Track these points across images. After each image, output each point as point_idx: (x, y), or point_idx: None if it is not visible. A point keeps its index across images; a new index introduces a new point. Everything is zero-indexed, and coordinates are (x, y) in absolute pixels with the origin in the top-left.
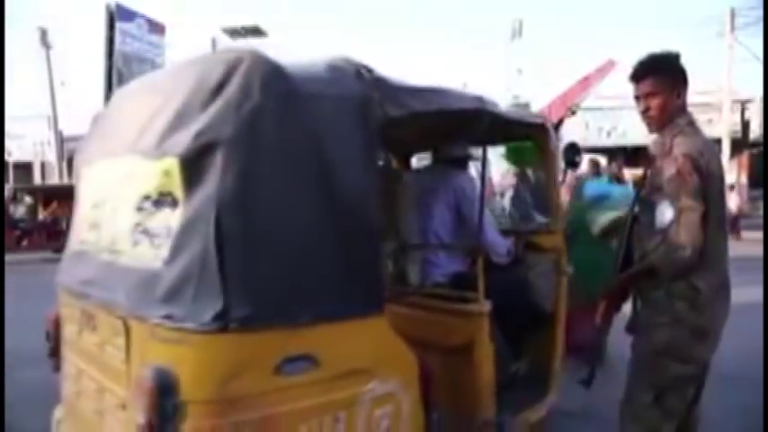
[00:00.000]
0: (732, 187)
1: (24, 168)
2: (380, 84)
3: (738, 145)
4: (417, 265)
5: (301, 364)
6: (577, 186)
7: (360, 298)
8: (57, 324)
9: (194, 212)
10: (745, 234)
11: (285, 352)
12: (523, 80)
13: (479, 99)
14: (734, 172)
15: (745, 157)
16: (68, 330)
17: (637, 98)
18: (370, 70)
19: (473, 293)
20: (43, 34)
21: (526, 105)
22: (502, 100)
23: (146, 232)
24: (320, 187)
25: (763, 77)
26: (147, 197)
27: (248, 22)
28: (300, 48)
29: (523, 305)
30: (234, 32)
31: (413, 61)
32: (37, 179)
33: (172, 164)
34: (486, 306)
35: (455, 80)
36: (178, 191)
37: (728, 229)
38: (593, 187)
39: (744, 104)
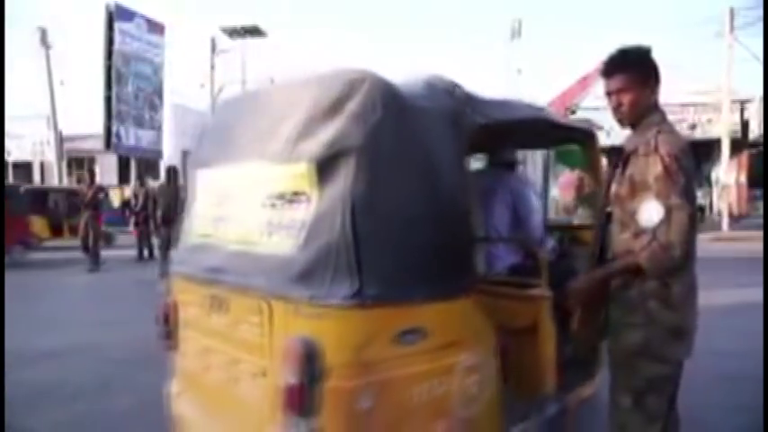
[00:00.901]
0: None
1: (23, 168)
2: (469, 98)
3: (738, 145)
4: (482, 256)
5: (414, 335)
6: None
7: (457, 280)
8: (173, 309)
9: (327, 208)
10: (743, 234)
11: (402, 325)
12: (523, 80)
13: (541, 109)
14: (733, 172)
15: (744, 156)
16: (190, 313)
17: (608, 94)
18: (459, 87)
19: (535, 280)
20: (43, 34)
21: None
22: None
23: (280, 225)
24: (427, 187)
25: (763, 78)
26: (280, 195)
27: (247, 21)
28: (300, 47)
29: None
30: (233, 32)
31: (413, 61)
32: (36, 179)
33: (306, 168)
34: (548, 291)
35: (456, 79)
36: (311, 190)
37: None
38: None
39: (743, 104)
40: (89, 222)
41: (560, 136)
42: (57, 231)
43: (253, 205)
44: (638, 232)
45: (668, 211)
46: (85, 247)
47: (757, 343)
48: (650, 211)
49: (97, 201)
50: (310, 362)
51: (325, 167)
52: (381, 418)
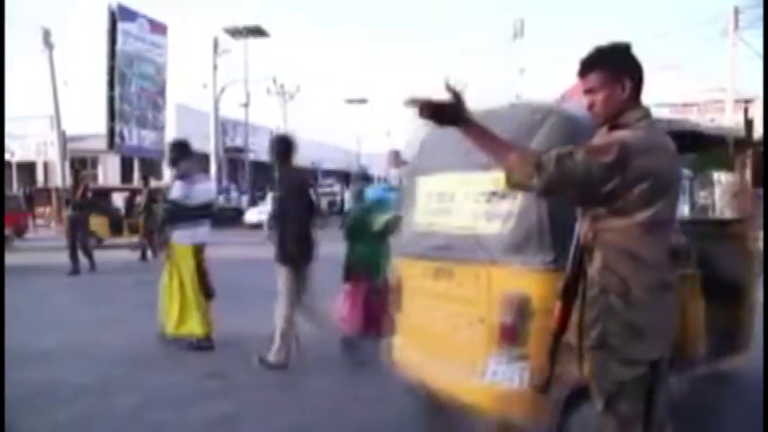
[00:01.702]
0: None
1: (27, 168)
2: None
3: (741, 144)
4: None
5: None
6: (357, 191)
7: None
8: (398, 282)
9: (530, 203)
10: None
11: None
12: (525, 79)
13: (687, 121)
14: (736, 171)
15: (748, 156)
16: (415, 282)
17: (585, 92)
18: None
19: (683, 261)
20: (46, 34)
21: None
22: (503, 100)
23: (495, 214)
24: None
25: (763, 78)
26: (493, 193)
27: (250, 21)
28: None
29: (714, 277)
30: (235, 32)
31: (415, 60)
32: (40, 179)
33: None
34: (698, 271)
35: (457, 79)
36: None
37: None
38: (373, 192)
39: (747, 103)
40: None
41: (704, 141)
42: (116, 230)
43: (469, 200)
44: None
45: (571, 154)
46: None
47: (757, 343)
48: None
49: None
50: (521, 307)
51: None
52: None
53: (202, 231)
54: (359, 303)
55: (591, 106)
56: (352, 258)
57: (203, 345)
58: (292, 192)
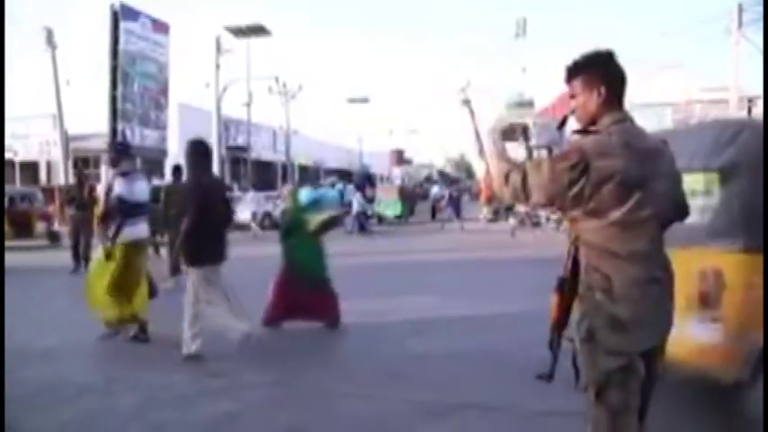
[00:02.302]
0: None
1: (30, 168)
2: None
3: None
4: None
5: None
6: (293, 192)
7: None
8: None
9: (728, 197)
10: None
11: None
12: (528, 78)
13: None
14: None
15: None
16: None
17: (570, 98)
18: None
19: None
20: (49, 34)
21: (530, 103)
22: (506, 98)
23: (698, 207)
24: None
25: (763, 78)
26: (695, 191)
27: (252, 21)
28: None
29: None
30: (238, 31)
31: (417, 59)
32: (43, 179)
33: (713, 174)
34: None
35: (459, 78)
36: (714, 187)
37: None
38: (306, 194)
39: (751, 101)
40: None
41: None
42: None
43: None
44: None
45: (537, 165)
46: None
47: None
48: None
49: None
50: (716, 279)
51: (725, 174)
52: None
53: (143, 227)
54: (282, 295)
55: (573, 111)
56: (288, 258)
57: (141, 338)
58: (208, 196)
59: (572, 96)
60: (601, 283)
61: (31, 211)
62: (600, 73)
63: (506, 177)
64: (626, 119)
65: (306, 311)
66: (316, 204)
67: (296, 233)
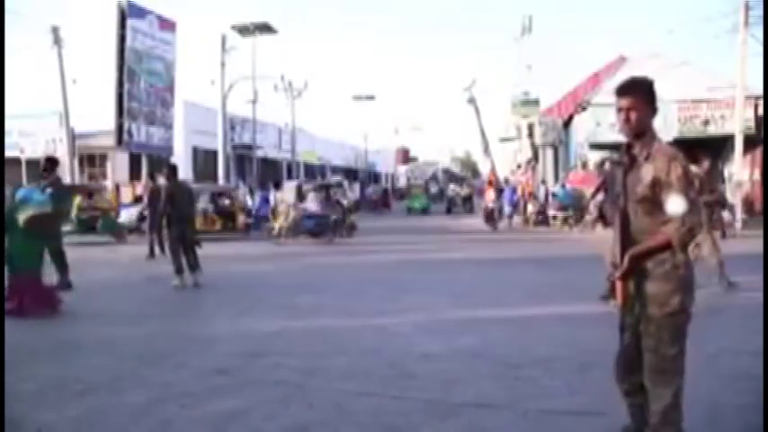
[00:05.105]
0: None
1: (36, 165)
2: None
3: (752, 141)
4: None
5: None
6: (12, 191)
7: None
8: None
9: None
10: (758, 232)
11: None
12: (533, 76)
13: None
14: (747, 168)
15: (758, 152)
16: None
17: (619, 110)
18: None
19: None
20: (55, 32)
21: (536, 102)
22: (511, 96)
23: None
24: None
25: (763, 78)
26: None
27: (258, 19)
28: (309, 44)
29: None
30: (243, 29)
31: (423, 57)
32: None
33: None
34: None
35: (465, 76)
36: None
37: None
38: (21, 192)
39: (757, 100)
40: None
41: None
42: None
43: None
44: (667, 219)
45: (690, 203)
46: None
47: (757, 342)
48: (676, 203)
49: None
50: None
51: None
52: None
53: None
54: (20, 291)
55: (626, 121)
56: (8, 251)
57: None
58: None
59: (626, 109)
60: (684, 260)
61: (235, 206)
62: (654, 96)
63: (690, 227)
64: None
65: (31, 301)
66: (25, 202)
67: (13, 226)
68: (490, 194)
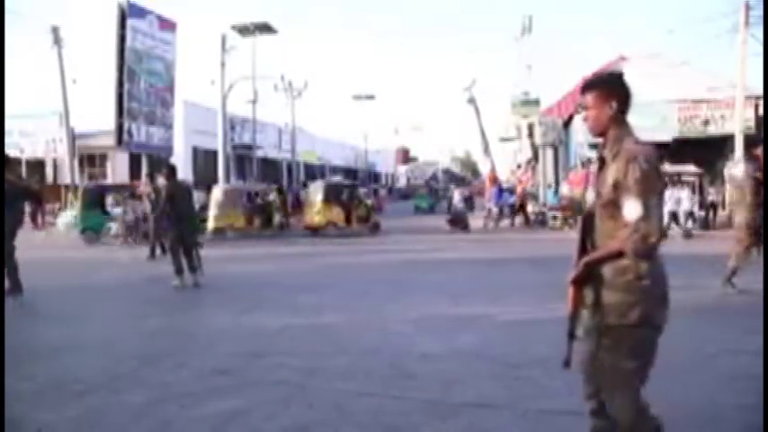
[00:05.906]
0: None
1: (37, 165)
2: None
3: (752, 141)
4: None
5: None
6: None
7: None
8: None
9: None
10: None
11: None
12: (533, 76)
13: None
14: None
15: (759, 152)
16: None
17: (582, 109)
18: None
19: None
20: (55, 32)
21: (536, 102)
22: (511, 96)
23: None
24: None
25: (763, 78)
26: None
27: (258, 19)
28: (309, 44)
29: None
30: (243, 29)
31: (423, 57)
32: (49, 176)
33: None
34: None
35: (465, 76)
36: None
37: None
38: None
39: (757, 100)
40: None
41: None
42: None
43: None
44: (623, 225)
45: (646, 208)
46: None
47: (757, 342)
48: (631, 208)
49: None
50: None
51: None
52: None
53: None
54: None
55: (585, 119)
56: None
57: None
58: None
59: (584, 107)
60: (649, 270)
61: (271, 205)
62: (614, 90)
63: (647, 231)
64: (631, 132)
65: None
66: None
67: None
68: (490, 194)
